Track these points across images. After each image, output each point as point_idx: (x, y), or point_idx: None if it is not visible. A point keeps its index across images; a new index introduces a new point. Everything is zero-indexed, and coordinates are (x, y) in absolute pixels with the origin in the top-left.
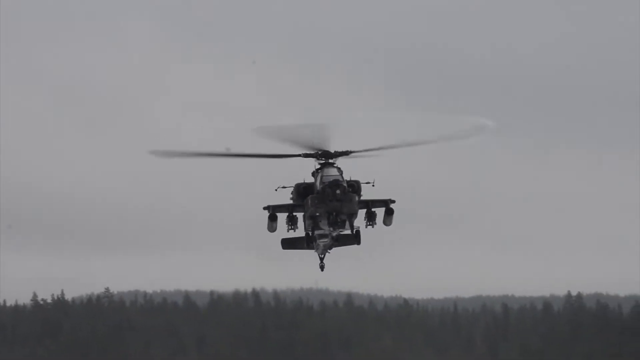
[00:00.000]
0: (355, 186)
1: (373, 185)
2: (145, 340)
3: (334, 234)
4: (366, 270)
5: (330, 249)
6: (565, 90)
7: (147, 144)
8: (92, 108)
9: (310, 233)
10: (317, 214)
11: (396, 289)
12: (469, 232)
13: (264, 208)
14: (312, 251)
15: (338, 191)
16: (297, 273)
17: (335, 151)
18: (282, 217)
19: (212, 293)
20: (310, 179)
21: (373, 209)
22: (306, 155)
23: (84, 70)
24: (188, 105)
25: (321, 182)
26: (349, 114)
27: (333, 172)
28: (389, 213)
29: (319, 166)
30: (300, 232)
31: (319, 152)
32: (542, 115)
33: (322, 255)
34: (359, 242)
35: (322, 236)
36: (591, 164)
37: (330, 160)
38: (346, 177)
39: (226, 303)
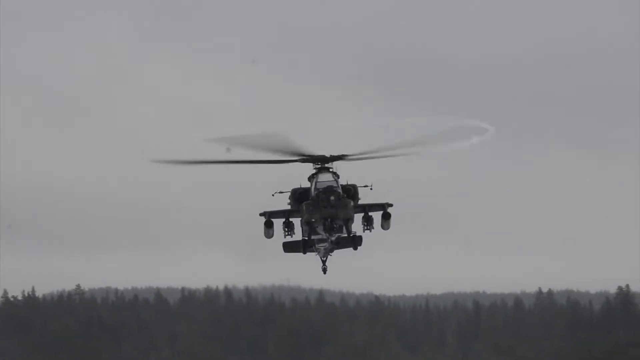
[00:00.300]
0: (352, 190)
1: (371, 189)
2: (116, 337)
3: (333, 238)
4: (337, 267)
5: (331, 252)
6: (537, 91)
7: (121, 141)
8: (62, 104)
9: (307, 238)
10: (313, 220)
11: (368, 286)
12: (441, 229)
13: (261, 214)
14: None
15: (332, 197)
16: (269, 270)
17: (330, 155)
18: (279, 222)
19: (183, 290)
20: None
21: (370, 213)
22: (303, 161)
23: (54, 67)
24: (163, 103)
25: (315, 188)
26: (340, 118)
27: (327, 177)
28: (386, 217)
29: (315, 171)
30: (298, 236)
31: (314, 157)
32: (512, 112)
33: (324, 258)
34: (357, 245)
35: (321, 240)
36: (563, 162)
37: (327, 165)
38: (343, 181)
39: (197, 300)
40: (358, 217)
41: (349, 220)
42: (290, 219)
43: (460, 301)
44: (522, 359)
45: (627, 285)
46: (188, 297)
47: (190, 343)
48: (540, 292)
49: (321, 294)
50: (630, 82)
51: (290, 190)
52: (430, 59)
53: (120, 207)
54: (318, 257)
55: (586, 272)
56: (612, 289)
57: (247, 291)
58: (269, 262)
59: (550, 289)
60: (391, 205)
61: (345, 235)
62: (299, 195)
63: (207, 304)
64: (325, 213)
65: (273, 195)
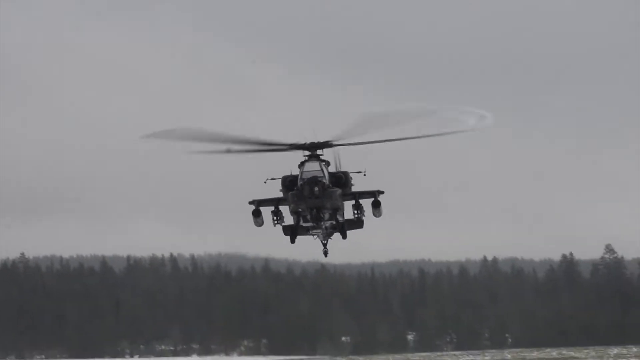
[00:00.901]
0: (342, 178)
1: (364, 175)
2: (61, 305)
3: (326, 224)
4: (283, 235)
5: (330, 236)
6: (468, 65)
7: (63, 110)
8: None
9: (295, 227)
10: (299, 209)
11: (313, 255)
12: (386, 198)
13: (250, 202)
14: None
15: (316, 188)
16: (215, 239)
17: (317, 142)
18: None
19: (128, 258)
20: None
21: (361, 201)
22: (292, 147)
23: None
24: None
25: (300, 178)
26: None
27: (313, 167)
28: (376, 205)
29: (303, 159)
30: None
31: (299, 145)
32: (453, 85)
33: (325, 242)
34: (355, 227)
35: (314, 227)
36: (506, 135)
37: (318, 152)
38: (333, 168)
39: (143, 268)
40: (349, 205)
41: (337, 210)
42: (280, 208)
43: (406, 269)
44: (468, 325)
45: (571, 253)
46: (133, 265)
47: (136, 311)
48: (485, 259)
49: (267, 262)
50: (551, 52)
51: (281, 178)
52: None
53: (66, 176)
54: (317, 240)
55: (530, 240)
56: (556, 257)
57: (193, 259)
58: (215, 231)
59: (495, 257)
60: (382, 192)
61: (350, 218)
62: (289, 183)
63: (153, 272)
64: (310, 203)
65: (265, 182)
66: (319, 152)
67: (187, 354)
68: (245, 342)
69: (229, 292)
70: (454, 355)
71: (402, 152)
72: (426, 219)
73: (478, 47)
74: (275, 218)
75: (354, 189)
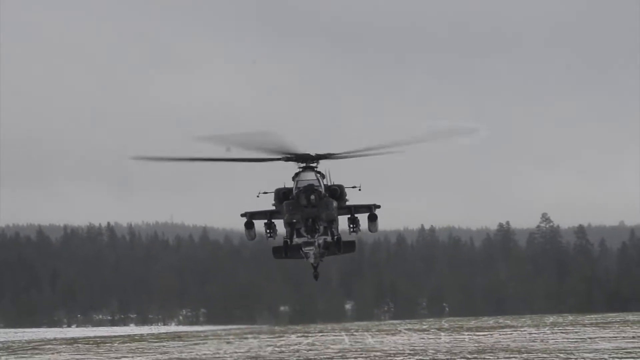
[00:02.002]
0: (337, 191)
1: (359, 190)
2: None
3: (319, 241)
4: (221, 205)
5: (322, 256)
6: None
7: (7, 81)
8: None
9: (289, 241)
10: (294, 220)
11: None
12: (326, 165)
13: (242, 215)
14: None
15: (312, 197)
16: (152, 208)
17: (316, 154)
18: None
19: (65, 227)
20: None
21: (356, 215)
22: (286, 159)
23: None
24: None
25: (296, 187)
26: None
27: (309, 176)
28: (372, 219)
29: (298, 170)
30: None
31: (298, 156)
32: (388, 57)
33: (316, 264)
34: (348, 250)
35: (307, 244)
36: (445, 102)
37: (313, 164)
38: (329, 181)
39: (80, 237)
40: (344, 219)
41: (332, 222)
42: (273, 220)
43: (343, 238)
44: (405, 294)
45: (508, 222)
46: (70, 235)
47: (73, 280)
48: (422, 229)
49: (205, 231)
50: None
51: (274, 191)
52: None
53: (2, 144)
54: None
55: (467, 209)
56: (493, 226)
57: (130, 228)
58: (152, 200)
59: (432, 226)
60: (378, 206)
61: (330, 238)
62: (282, 195)
63: (90, 241)
64: (306, 213)
65: (258, 196)
66: (313, 164)
67: (125, 324)
68: (184, 312)
69: (167, 261)
70: (392, 324)
71: (337, 119)
72: (364, 187)
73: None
74: (268, 231)
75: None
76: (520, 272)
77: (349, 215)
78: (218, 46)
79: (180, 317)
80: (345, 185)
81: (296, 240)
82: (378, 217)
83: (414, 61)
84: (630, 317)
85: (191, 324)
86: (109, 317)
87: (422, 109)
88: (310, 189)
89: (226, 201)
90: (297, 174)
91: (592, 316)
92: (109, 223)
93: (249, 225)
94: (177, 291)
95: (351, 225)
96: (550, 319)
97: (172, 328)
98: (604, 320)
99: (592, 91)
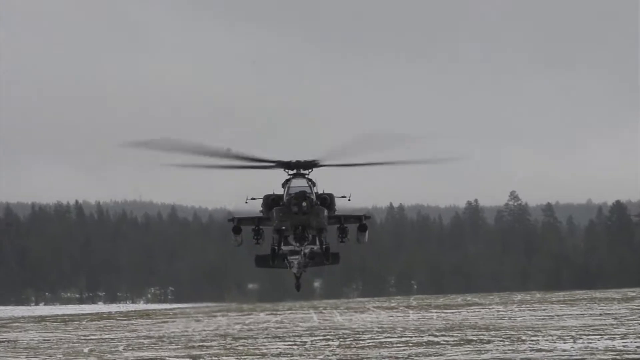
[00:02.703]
0: (327, 200)
1: (349, 200)
2: None
3: (306, 250)
4: (190, 183)
5: (305, 267)
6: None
7: None
8: None
9: (276, 249)
10: (283, 227)
11: (220, 201)
12: (290, 140)
13: (229, 220)
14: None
15: (304, 203)
16: (121, 186)
17: (305, 161)
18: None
19: (33, 205)
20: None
21: (346, 225)
22: (277, 165)
23: None
24: None
25: (287, 193)
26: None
27: (301, 183)
28: (362, 229)
29: (288, 177)
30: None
31: (290, 163)
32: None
33: (299, 275)
34: (334, 261)
35: (293, 253)
36: (408, 78)
37: (304, 171)
38: (319, 190)
39: (48, 215)
40: (333, 229)
41: (322, 231)
42: (261, 227)
43: None
44: (373, 272)
45: (476, 200)
46: (38, 213)
47: (41, 258)
48: (391, 206)
49: (173, 209)
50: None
51: (262, 197)
52: None
53: None
54: (292, 273)
55: (436, 187)
56: (462, 204)
57: (99, 206)
58: (121, 178)
59: (401, 204)
60: (369, 217)
61: (318, 248)
62: (271, 202)
63: (58, 220)
64: (297, 220)
65: (247, 202)
66: (305, 172)
67: (93, 302)
68: (152, 290)
69: (136, 239)
70: (360, 302)
71: (300, 90)
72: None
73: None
74: (256, 238)
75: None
76: (489, 250)
77: (338, 225)
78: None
79: (149, 295)
80: (334, 195)
81: (283, 248)
82: (368, 227)
83: (377, 40)
84: (598, 294)
85: (160, 302)
86: (77, 295)
87: (387, 92)
88: (302, 195)
89: (194, 179)
90: (287, 181)
91: (559, 293)
92: (77, 201)
93: (237, 231)
94: (145, 269)
95: (340, 235)
96: (518, 296)
97: (141, 306)
98: (571, 298)
99: (561, 69)
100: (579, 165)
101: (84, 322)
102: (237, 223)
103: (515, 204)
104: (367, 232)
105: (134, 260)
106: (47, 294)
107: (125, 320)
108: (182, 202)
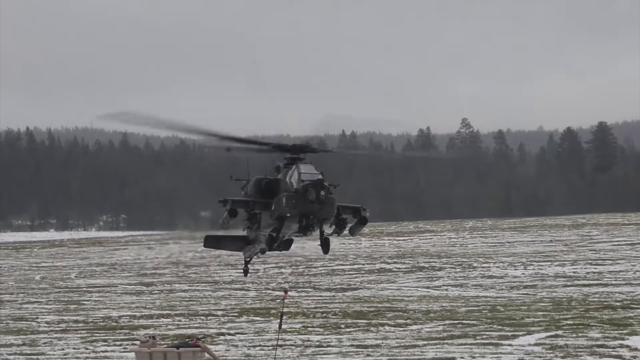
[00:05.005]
0: (332, 189)
1: (335, 187)
2: None
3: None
4: (141, 111)
5: (263, 252)
6: None
7: None
8: None
9: (274, 235)
10: (288, 214)
11: (172, 130)
12: (234, 74)
13: (220, 201)
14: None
15: (322, 192)
16: (72, 113)
17: (301, 145)
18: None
19: None
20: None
21: (344, 216)
22: (275, 147)
23: None
24: None
25: (299, 180)
26: None
27: (311, 169)
28: (362, 222)
29: (287, 162)
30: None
31: (289, 146)
32: None
33: (249, 259)
34: (327, 251)
35: (287, 242)
36: (370, 11)
37: (301, 156)
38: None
39: None
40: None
41: (326, 220)
42: (257, 211)
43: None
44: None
45: (428, 128)
46: None
47: None
48: (343, 134)
49: (125, 137)
50: None
51: (252, 179)
52: None
53: None
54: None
55: (388, 115)
56: (414, 132)
57: (50, 133)
58: (72, 106)
59: (353, 132)
60: (365, 209)
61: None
62: (264, 186)
63: (8, 146)
64: (310, 209)
65: (231, 179)
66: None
67: (45, 229)
68: (104, 217)
69: (87, 166)
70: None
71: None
72: (283, 94)
73: None
74: (249, 222)
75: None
76: (440, 178)
77: (335, 216)
78: None
79: (101, 223)
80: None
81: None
82: (368, 220)
83: None
84: (548, 221)
85: (111, 229)
86: (29, 223)
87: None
88: (320, 184)
89: (145, 107)
90: (287, 165)
91: (510, 220)
92: (28, 128)
93: (234, 214)
94: (97, 197)
95: (337, 227)
96: (470, 223)
97: (92, 234)
98: (522, 225)
99: None
100: (530, 92)
101: (35, 250)
102: (232, 206)
103: (467, 131)
104: (363, 227)
105: (86, 188)
106: None
107: (77, 247)
108: (133, 130)
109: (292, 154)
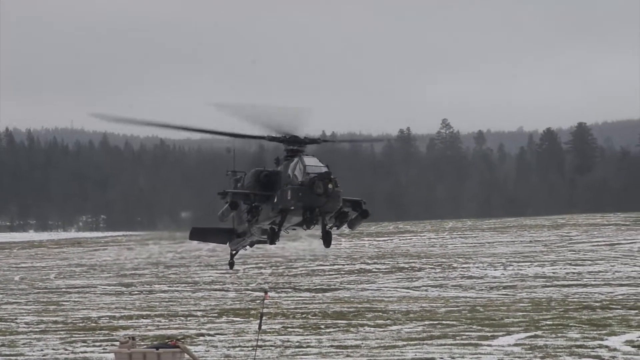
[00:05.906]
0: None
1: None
2: None
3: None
4: (121, 111)
5: (252, 245)
6: None
7: None
8: None
9: (276, 228)
10: (292, 207)
11: (152, 130)
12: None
13: (219, 193)
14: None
15: (330, 186)
16: (52, 113)
17: (305, 137)
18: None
19: None
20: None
21: (345, 209)
22: (272, 139)
23: None
24: None
25: (304, 172)
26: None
27: (315, 162)
28: (363, 216)
29: (288, 154)
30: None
31: (287, 137)
32: None
33: (235, 252)
34: (329, 244)
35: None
36: (349, 13)
37: (301, 148)
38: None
39: None
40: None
41: (329, 214)
42: (257, 204)
43: (248, 145)
44: None
45: (408, 128)
46: None
47: None
48: (323, 134)
49: (105, 137)
50: None
51: (250, 172)
52: None
53: None
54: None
55: (368, 115)
56: (394, 132)
57: (29, 134)
58: (52, 105)
59: (333, 132)
60: (365, 203)
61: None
62: (263, 178)
63: None
64: (316, 202)
65: (227, 174)
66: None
67: (24, 230)
68: (84, 218)
69: (67, 167)
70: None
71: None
72: (267, 92)
73: None
74: (249, 215)
75: None
76: (421, 178)
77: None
78: None
79: (80, 224)
80: None
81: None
82: (369, 214)
83: None
84: (528, 221)
85: (91, 230)
86: (8, 223)
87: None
88: (328, 177)
89: (126, 108)
90: (288, 157)
91: (490, 221)
92: (7, 128)
93: (235, 206)
94: (77, 197)
95: (338, 221)
96: (450, 223)
97: (72, 234)
98: (502, 225)
99: None
100: (510, 93)
101: (14, 250)
102: (233, 198)
103: (447, 132)
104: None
105: (65, 189)
106: None
107: (56, 248)
108: (113, 130)
109: (289, 145)
